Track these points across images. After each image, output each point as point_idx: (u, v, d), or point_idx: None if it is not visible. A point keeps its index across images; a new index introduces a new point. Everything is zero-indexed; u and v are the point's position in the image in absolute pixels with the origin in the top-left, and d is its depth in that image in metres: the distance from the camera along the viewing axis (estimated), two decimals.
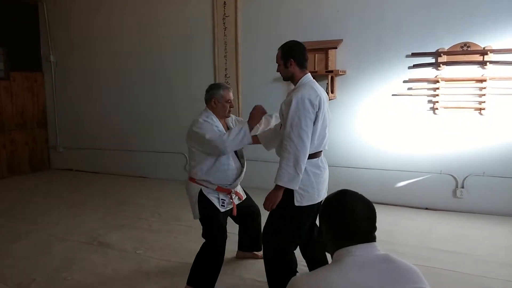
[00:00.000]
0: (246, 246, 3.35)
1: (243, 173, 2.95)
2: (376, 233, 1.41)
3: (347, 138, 4.99)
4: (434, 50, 4.44)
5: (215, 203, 2.82)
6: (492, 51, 4.21)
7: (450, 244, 3.63)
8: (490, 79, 4.25)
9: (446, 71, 4.44)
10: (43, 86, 7.14)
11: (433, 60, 4.47)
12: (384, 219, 4.24)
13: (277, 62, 2.55)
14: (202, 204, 2.82)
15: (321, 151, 2.54)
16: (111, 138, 6.67)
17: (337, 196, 1.46)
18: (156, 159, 6.33)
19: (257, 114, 2.75)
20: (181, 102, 5.91)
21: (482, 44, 4.25)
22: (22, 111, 6.84)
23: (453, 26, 4.35)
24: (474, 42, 4.28)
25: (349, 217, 1.38)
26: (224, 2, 5.49)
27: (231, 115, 3.01)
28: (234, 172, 2.85)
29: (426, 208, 4.64)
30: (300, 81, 2.48)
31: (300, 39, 2.55)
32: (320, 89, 2.47)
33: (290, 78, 2.52)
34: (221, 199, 2.85)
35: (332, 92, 4.83)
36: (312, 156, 2.43)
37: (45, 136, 7.23)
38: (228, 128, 2.92)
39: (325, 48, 4.72)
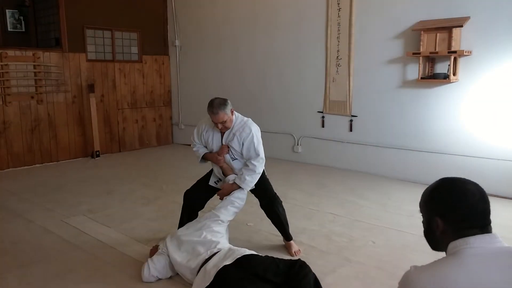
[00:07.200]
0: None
1: (223, 180, 3.19)
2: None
3: (468, 124, 4.62)
4: None
5: (212, 175, 3.26)
6: None
7: None
8: None
9: None
10: (169, 68, 7.88)
11: None
12: (509, 214, 3.87)
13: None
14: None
15: None
16: None
17: (445, 184, 1.34)
18: (265, 139, 6.53)
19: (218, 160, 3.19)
20: (292, 83, 5.99)
21: None
22: (152, 91, 7.65)
23: None
24: None
25: (465, 200, 1.27)
26: None
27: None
28: (217, 171, 3.22)
29: None
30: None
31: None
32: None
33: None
34: (218, 176, 3.23)
35: (454, 74, 4.48)
36: None
37: (169, 113, 8.00)
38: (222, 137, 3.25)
39: (449, 26, 4.37)
